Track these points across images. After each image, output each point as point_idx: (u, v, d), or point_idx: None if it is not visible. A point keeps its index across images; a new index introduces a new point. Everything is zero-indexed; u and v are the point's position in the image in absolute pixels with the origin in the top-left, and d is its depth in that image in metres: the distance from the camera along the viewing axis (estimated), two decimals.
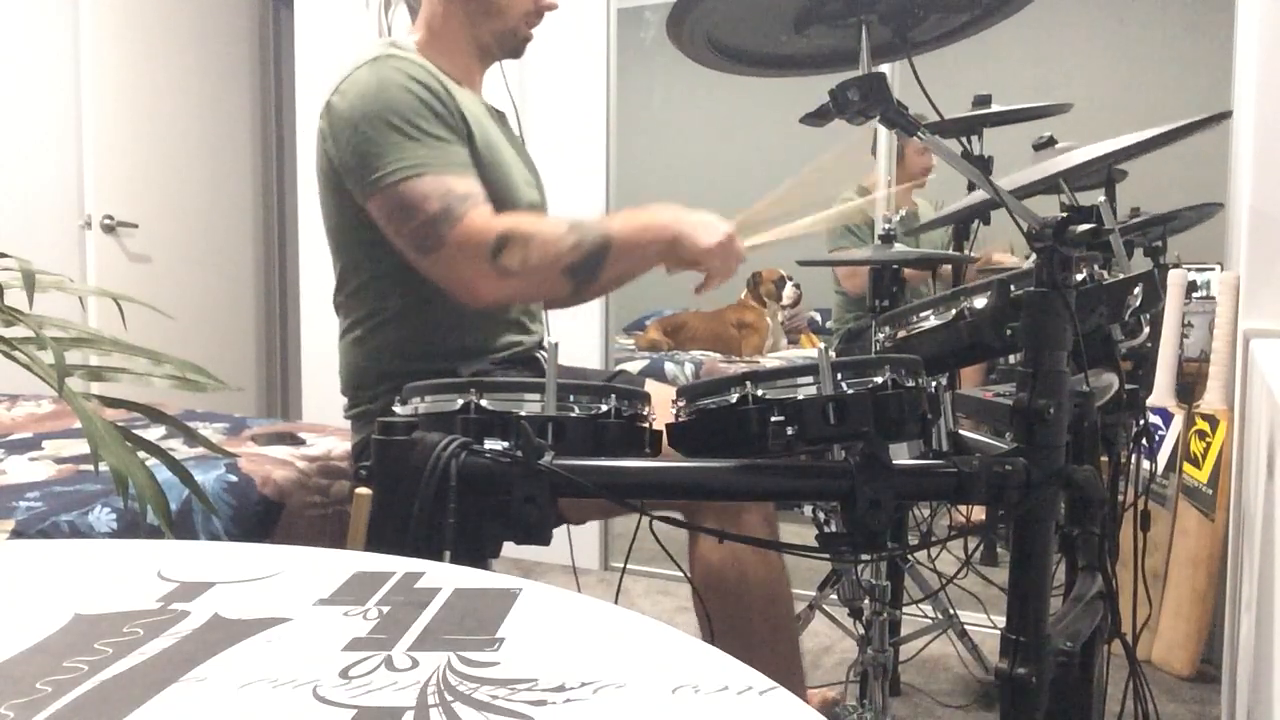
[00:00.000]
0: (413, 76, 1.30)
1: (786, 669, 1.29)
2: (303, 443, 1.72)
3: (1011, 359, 1.07)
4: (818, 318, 4.21)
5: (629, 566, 1.15)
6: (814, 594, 1.94)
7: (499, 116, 1.56)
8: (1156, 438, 2.15)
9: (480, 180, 1.34)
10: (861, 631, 1.69)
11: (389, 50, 1.35)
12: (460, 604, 0.55)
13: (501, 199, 1.39)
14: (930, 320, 1.06)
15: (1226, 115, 1.59)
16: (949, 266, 2.51)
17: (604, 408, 0.96)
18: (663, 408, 1.04)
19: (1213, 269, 2.50)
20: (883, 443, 0.88)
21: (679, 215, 1.30)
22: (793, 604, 1.33)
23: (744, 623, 1.23)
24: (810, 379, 0.91)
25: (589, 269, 1.28)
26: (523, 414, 0.93)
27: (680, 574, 1.18)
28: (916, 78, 1.01)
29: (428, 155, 1.27)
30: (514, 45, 1.48)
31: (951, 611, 1.90)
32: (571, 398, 0.95)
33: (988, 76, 2.20)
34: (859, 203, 1.39)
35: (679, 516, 1.11)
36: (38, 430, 1.83)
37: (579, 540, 1.35)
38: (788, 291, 3.96)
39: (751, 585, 1.23)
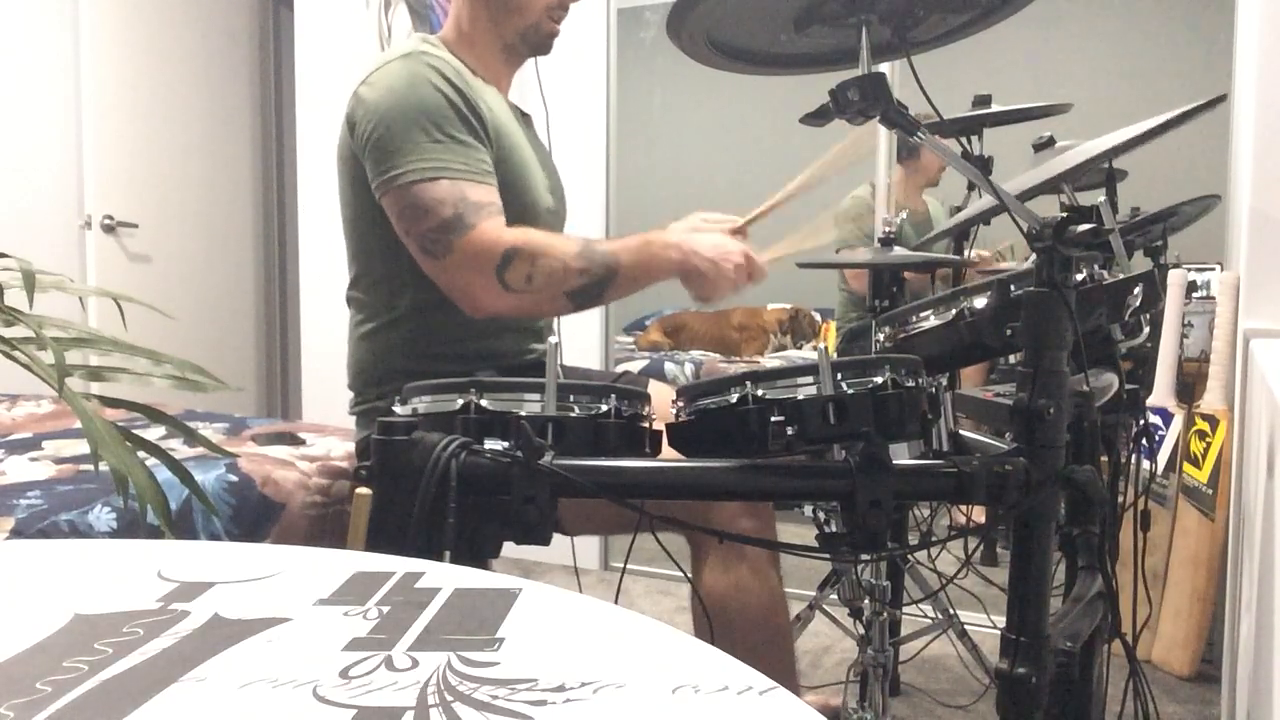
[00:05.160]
0: (444, 75, 1.30)
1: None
2: (303, 443, 1.72)
3: (1011, 359, 1.07)
4: (818, 318, 4.21)
5: (629, 566, 1.15)
6: (814, 594, 1.94)
7: (525, 119, 1.56)
8: (1156, 438, 2.15)
9: (499, 183, 1.35)
10: (861, 631, 1.69)
11: (422, 46, 1.34)
12: (460, 604, 0.55)
13: (520, 202, 1.38)
14: (930, 320, 1.06)
15: (1222, 99, 1.58)
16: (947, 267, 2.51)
17: (604, 408, 0.96)
18: (663, 408, 1.04)
19: (1213, 269, 2.50)
20: (883, 443, 0.88)
21: (692, 250, 1.27)
22: (791, 633, 1.34)
23: (742, 651, 1.23)
24: (810, 379, 0.91)
25: (592, 294, 1.29)
26: (523, 414, 0.93)
27: (680, 574, 1.19)
28: (916, 79, 1.01)
29: (449, 159, 1.26)
30: (539, 41, 1.47)
31: (951, 611, 1.90)
32: (571, 398, 0.95)
33: (988, 76, 2.20)
34: (848, 145, 1.34)
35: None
36: (38, 430, 1.83)
37: (579, 540, 1.35)
38: (808, 346, 3.93)
39: (752, 614, 1.24)
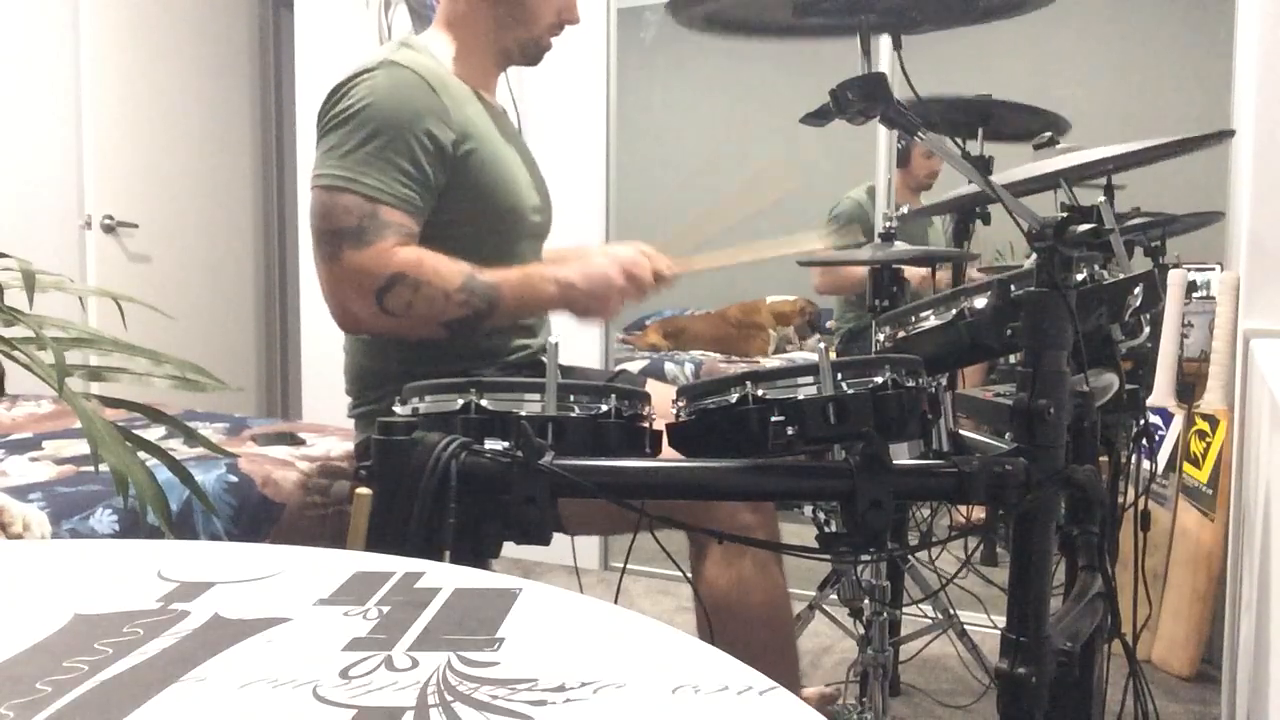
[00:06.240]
0: (407, 95, 1.31)
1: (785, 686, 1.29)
2: (303, 443, 1.72)
3: (1011, 359, 1.07)
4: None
5: (629, 566, 1.15)
6: (814, 594, 1.94)
7: (503, 116, 1.56)
8: (1156, 438, 2.15)
9: (475, 188, 1.35)
10: (861, 631, 1.69)
11: (398, 55, 1.35)
12: (460, 604, 0.55)
13: (503, 204, 1.40)
14: (930, 320, 1.06)
15: (1229, 134, 1.59)
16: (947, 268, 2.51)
17: (604, 408, 0.96)
18: (663, 408, 1.04)
19: (1213, 269, 2.50)
20: (883, 443, 0.88)
21: (569, 284, 1.32)
22: (794, 627, 1.34)
23: (745, 646, 1.23)
24: (810, 379, 0.91)
25: (469, 324, 1.31)
26: (523, 414, 0.93)
27: (680, 574, 1.19)
28: (903, 70, 1.01)
29: (373, 177, 1.28)
30: (535, 53, 1.50)
31: (951, 611, 1.90)
32: (571, 398, 0.95)
33: (988, 76, 2.20)
34: (800, 242, 1.43)
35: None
36: (38, 430, 1.83)
37: (579, 540, 1.35)
38: (813, 339, 3.91)
39: (755, 609, 1.24)
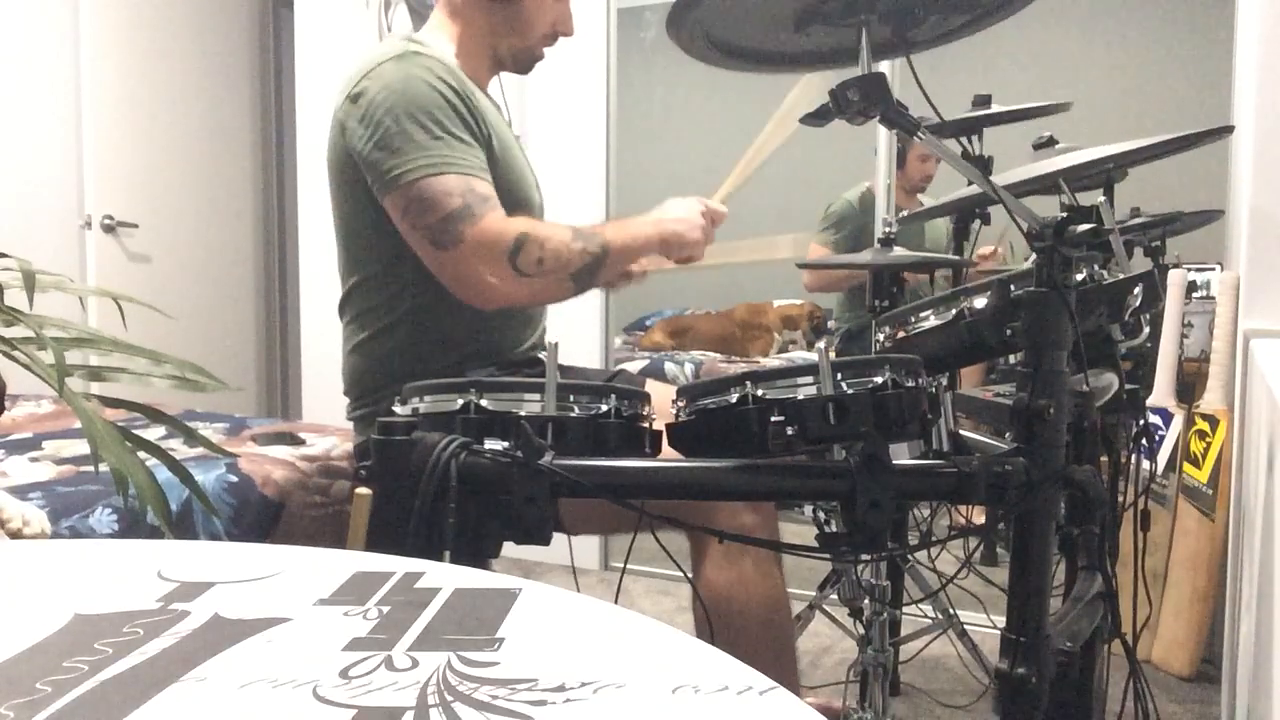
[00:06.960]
0: (439, 76, 1.32)
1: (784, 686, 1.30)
2: (303, 443, 1.72)
3: (1011, 359, 1.07)
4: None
5: (629, 566, 1.15)
6: (814, 594, 1.94)
7: (499, 110, 1.57)
8: (1156, 438, 2.15)
9: (498, 182, 1.36)
10: (861, 631, 1.69)
11: (414, 47, 1.35)
12: (460, 604, 0.55)
13: (516, 199, 1.40)
14: (930, 320, 1.06)
15: (1229, 130, 1.59)
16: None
17: (604, 408, 0.96)
18: (663, 408, 1.04)
19: (1213, 269, 2.50)
20: (883, 443, 0.88)
21: (661, 219, 1.39)
22: (793, 627, 1.34)
23: (744, 647, 1.23)
24: (810, 379, 0.91)
25: (590, 274, 1.34)
26: (523, 414, 0.93)
27: (680, 574, 1.19)
28: (917, 81, 1.01)
29: (450, 155, 1.28)
30: (527, 62, 1.51)
31: (951, 611, 1.90)
32: (571, 398, 0.95)
33: (988, 76, 2.20)
34: (777, 247, 1.52)
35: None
36: (38, 430, 1.83)
37: (579, 540, 1.35)
38: (822, 343, 3.92)
39: (755, 609, 1.24)
